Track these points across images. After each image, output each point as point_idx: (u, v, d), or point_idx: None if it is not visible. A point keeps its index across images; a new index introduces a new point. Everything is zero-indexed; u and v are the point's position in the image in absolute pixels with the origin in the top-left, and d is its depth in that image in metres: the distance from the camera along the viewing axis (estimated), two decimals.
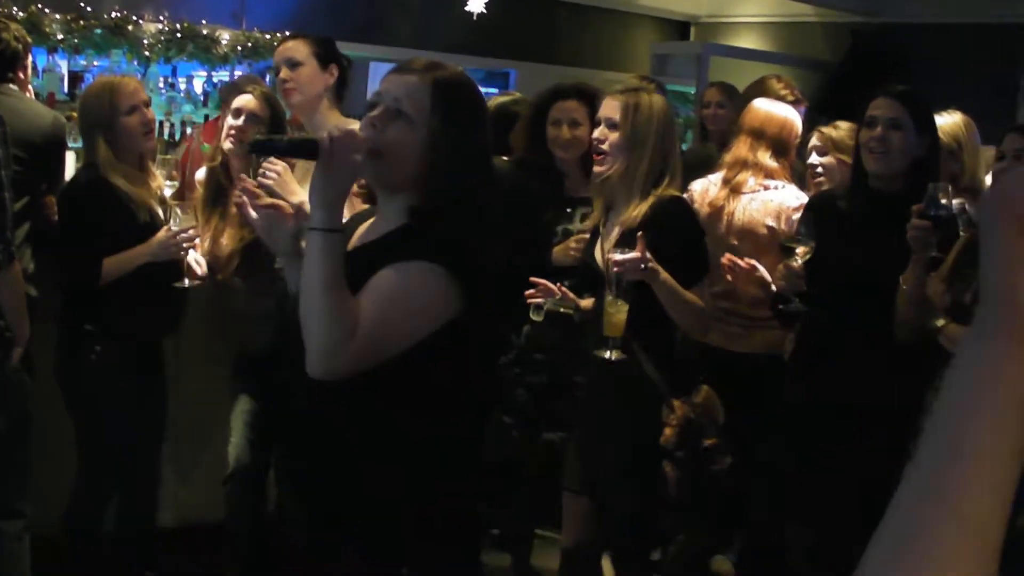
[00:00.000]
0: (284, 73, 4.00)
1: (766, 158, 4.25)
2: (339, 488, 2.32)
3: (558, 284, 3.53)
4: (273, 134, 2.83)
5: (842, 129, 4.15)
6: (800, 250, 3.44)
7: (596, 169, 3.45)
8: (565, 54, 10.93)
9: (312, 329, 2.13)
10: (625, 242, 3.29)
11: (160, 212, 3.96)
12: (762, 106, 4.42)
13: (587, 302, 3.56)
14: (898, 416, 3.43)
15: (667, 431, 3.37)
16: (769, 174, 4.24)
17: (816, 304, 3.57)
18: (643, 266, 3.15)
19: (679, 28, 12.16)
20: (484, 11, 8.26)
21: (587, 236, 3.71)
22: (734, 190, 4.24)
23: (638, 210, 3.35)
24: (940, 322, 3.26)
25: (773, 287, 3.63)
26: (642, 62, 11.26)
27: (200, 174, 4.38)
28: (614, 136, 3.39)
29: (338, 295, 2.12)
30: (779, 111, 4.37)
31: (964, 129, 4.15)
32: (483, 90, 4.73)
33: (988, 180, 4.90)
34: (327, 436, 2.34)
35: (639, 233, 3.19)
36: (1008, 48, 9.46)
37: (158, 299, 3.95)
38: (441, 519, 2.37)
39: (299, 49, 4.02)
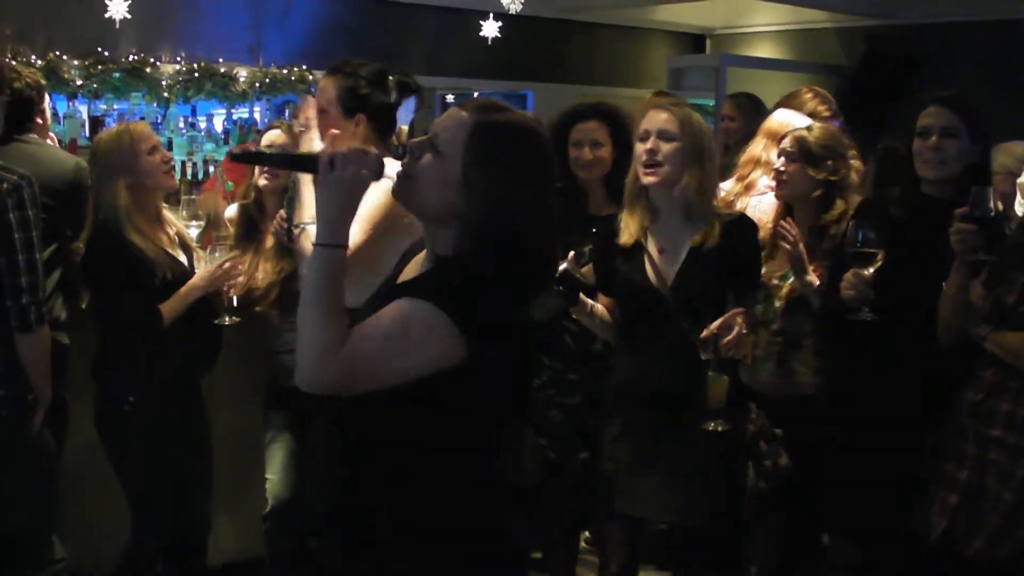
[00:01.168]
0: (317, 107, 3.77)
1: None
2: (370, 520, 2.29)
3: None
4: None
5: (816, 133, 3.98)
6: (878, 257, 3.33)
7: (649, 180, 3.43)
8: (581, 73, 10.95)
9: (302, 338, 2.12)
10: (699, 267, 3.39)
11: (183, 257, 3.98)
12: (781, 114, 4.53)
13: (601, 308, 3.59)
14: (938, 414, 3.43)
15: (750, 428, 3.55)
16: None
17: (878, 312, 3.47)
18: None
19: (694, 41, 12.16)
20: (499, 35, 8.28)
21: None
22: (747, 188, 4.32)
23: (712, 230, 3.41)
24: (986, 328, 3.24)
25: (843, 294, 3.46)
26: (659, 77, 11.26)
27: (231, 211, 4.43)
28: (669, 147, 3.41)
29: (328, 309, 2.11)
30: (797, 121, 4.38)
31: None
32: None
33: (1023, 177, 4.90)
34: (353, 468, 2.31)
35: (739, 312, 3.29)
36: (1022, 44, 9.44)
37: (194, 338, 3.96)
38: (477, 546, 2.32)
39: (326, 91, 3.77)
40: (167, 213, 4.07)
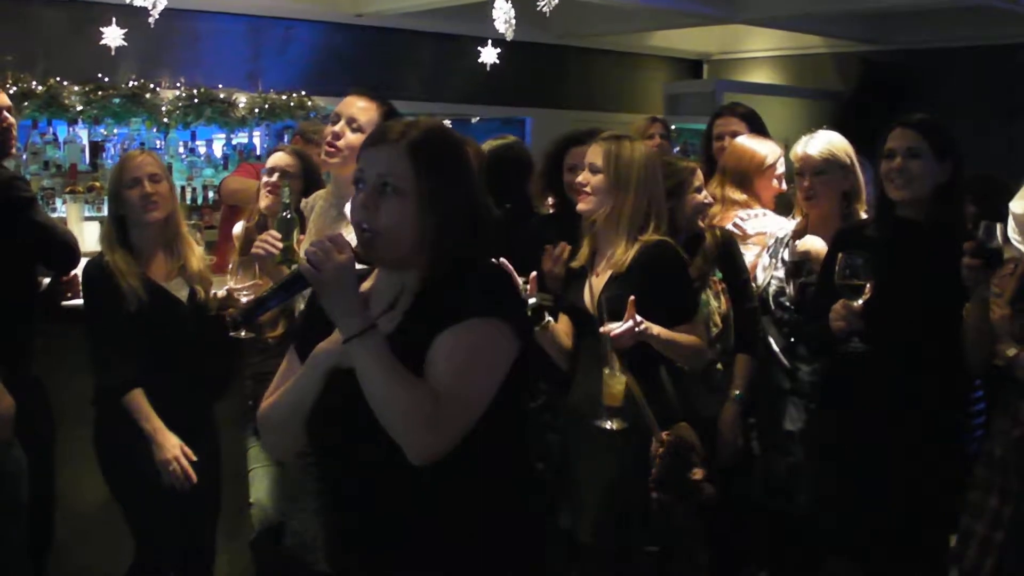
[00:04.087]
0: (342, 127, 3.68)
1: (732, 193, 4.41)
2: (410, 531, 2.26)
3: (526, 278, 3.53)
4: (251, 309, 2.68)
5: (819, 143, 4.06)
6: (867, 289, 3.36)
7: (580, 207, 3.66)
8: (579, 98, 11.00)
9: (396, 426, 2.11)
10: (615, 288, 3.50)
11: (182, 291, 3.96)
12: (736, 144, 4.61)
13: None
14: (935, 439, 3.44)
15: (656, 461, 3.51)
16: (742, 205, 4.41)
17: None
18: (636, 329, 3.35)
19: (691, 67, 12.21)
20: (497, 61, 8.32)
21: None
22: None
23: (626, 255, 3.54)
24: (1012, 351, 3.27)
25: (832, 325, 3.52)
26: (655, 102, 11.32)
27: (238, 228, 4.45)
28: (596, 179, 3.60)
29: (401, 384, 2.11)
30: (741, 144, 4.52)
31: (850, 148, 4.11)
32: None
33: None
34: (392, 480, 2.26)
35: (631, 299, 3.37)
36: (1018, 69, 9.49)
37: (202, 361, 3.97)
38: (517, 536, 2.33)
39: (369, 111, 3.70)
40: (190, 244, 4.04)
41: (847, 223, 3.93)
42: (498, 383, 2.18)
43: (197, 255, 4.04)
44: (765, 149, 4.46)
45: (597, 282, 3.63)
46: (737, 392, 4.03)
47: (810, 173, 4.01)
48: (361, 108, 3.69)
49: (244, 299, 3.80)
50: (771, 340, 4.12)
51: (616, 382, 3.34)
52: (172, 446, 3.80)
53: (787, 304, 4.07)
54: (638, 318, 3.36)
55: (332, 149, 3.68)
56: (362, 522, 2.28)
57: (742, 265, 4.15)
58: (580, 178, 3.65)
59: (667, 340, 3.49)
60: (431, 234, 2.21)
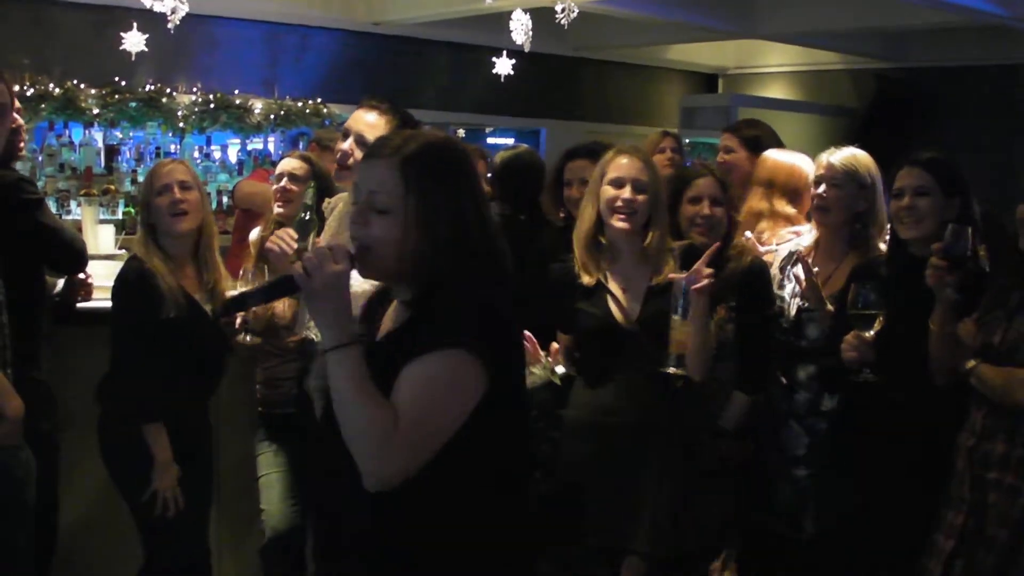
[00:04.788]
0: (351, 146, 3.63)
1: (782, 206, 4.35)
2: (403, 536, 2.25)
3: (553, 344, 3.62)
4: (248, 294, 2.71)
5: (844, 155, 4.02)
6: (879, 320, 3.38)
7: (624, 226, 3.55)
8: (594, 111, 11.03)
9: (354, 443, 2.12)
10: (660, 297, 3.49)
11: (209, 305, 3.93)
12: (772, 157, 4.52)
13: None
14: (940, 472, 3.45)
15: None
16: (792, 220, 4.33)
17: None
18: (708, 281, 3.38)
19: (707, 80, 12.23)
20: (511, 72, 8.34)
21: None
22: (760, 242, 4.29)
23: (671, 267, 3.54)
24: (971, 363, 3.28)
25: (844, 356, 3.52)
26: (671, 115, 11.34)
27: (254, 235, 4.47)
28: (643, 197, 3.54)
29: (367, 402, 2.11)
30: (787, 160, 4.44)
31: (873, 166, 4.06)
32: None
33: None
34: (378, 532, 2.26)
35: (712, 248, 3.43)
36: None
37: (201, 367, 3.97)
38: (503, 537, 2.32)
39: (379, 127, 3.59)
40: (218, 262, 4.03)
41: (862, 253, 3.92)
42: (459, 415, 2.15)
43: (223, 274, 4.03)
44: (808, 164, 4.38)
45: (628, 296, 3.59)
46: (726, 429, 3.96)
47: (827, 183, 3.97)
48: (370, 124, 3.63)
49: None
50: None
51: (683, 328, 3.37)
52: (171, 480, 3.81)
53: (784, 326, 4.04)
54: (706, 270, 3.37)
55: (343, 170, 3.65)
56: (329, 535, 2.31)
57: (767, 301, 4.04)
58: (626, 195, 3.55)
59: (704, 317, 3.46)
60: (418, 251, 2.21)
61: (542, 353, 3.61)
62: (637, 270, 3.59)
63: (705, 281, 3.35)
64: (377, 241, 2.22)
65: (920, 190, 3.54)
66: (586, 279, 3.60)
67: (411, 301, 2.26)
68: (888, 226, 3.85)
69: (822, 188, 3.97)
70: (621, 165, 3.59)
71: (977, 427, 3.31)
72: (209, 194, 7.71)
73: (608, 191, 3.56)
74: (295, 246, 3.69)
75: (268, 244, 3.78)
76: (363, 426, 2.10)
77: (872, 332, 3.42)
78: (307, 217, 3.76)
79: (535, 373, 3.58)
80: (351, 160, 3.60)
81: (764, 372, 3.99)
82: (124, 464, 3.90)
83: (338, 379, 2.14)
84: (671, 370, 3.40)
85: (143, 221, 3.94)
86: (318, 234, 3.77)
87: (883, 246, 3.91)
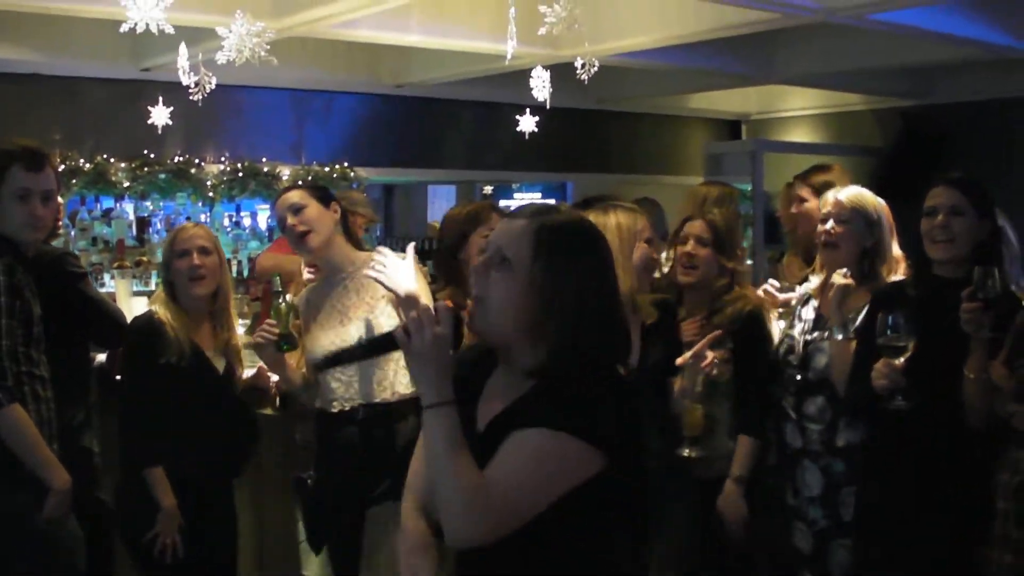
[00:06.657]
0: (291, 220, 3.91)
1: None
2: None
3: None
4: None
5: (850, 192, 4.03)
6: (909, 347, 3.35)
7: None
8: (621, 162, 11.05)
9: (444, 499, 2.14)
10: (650, 341, 3.64)
11: (219, 362, 4.03)
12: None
13: None
14: (973, 504, 3.39)
15: None
16: None
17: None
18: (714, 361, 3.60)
19: (730, 127, 12.24)
20: (535, 129, 8.38)
21: None
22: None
23: (649, 312, 3.67)
24: (1011, 407, 3.24)
25: (874, 384, 3.49)
26: (696, 163, 11.35)
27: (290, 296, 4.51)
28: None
29: (459, 463, 2.12)
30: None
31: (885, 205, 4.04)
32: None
33: None
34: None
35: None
36: None
37: (226, 434, 4.01)
38: None
39: (297, 195, 3.97)
40: (233, 324, 4.14)
41: (888, 283, 3.89)
42: (555, 493, 2.14)
43: (237, 335, 4.14)
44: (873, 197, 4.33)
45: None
46: (739, 473, 4.00)
47: (835, 219, 3.95)
48: (289, 196, 3.99)
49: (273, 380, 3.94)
50: (784, 401, 4.04)
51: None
52: (172, 525, 3.85)
53: (794, 363, 4.01)
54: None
55: (303, 232, 3.92)
56: None
57: (765, 348, 4.13)
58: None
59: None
60: (534, 318, 2.22)
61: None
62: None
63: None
64: (492, 292, 2.24)
65: (955, 209, 3.52)
66: (647, 320, 3.69)
67: (531, 371, 2.26)
68: (902, 263, 3.90)
69: (829, 224, 3.96)
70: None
71: (1022, 465, 3.26)
72: (240, 262, 7.81)
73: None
74: (276, 331, 3.86)
75: (253, 338, 3.96)
76: (452, 486, 2.11)
77: (903, 359, 3.38)
78: (282, 303, 3.91)
79: None
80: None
81: (763, 416, 4.06)
82: (128, 505, 3.96)
83: (431, 437, 2.16)
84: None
85: (164, 279, 4.04)
86: (297, 316, 3.97)
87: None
